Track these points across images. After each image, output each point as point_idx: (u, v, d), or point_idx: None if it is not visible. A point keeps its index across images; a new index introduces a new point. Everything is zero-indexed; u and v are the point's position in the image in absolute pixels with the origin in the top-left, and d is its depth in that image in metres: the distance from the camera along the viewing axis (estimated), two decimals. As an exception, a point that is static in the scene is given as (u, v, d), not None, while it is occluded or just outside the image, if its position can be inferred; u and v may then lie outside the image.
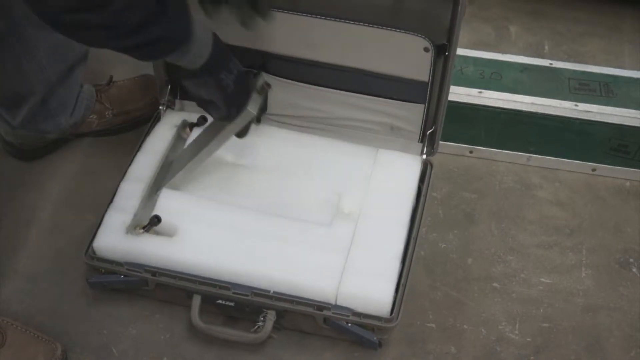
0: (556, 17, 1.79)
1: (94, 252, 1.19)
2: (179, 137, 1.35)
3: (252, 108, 1.17)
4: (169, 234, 1.20)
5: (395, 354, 1.21)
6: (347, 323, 1.14)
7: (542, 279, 1.32)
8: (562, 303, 1.29)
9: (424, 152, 1.31)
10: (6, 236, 1.34)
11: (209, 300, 1.17)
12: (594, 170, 1.47)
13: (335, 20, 1.18)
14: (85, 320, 1.24)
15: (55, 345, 1.16)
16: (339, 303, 1.14)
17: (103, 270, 1.20)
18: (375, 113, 1.29)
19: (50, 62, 1.32)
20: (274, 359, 1.20)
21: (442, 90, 1.22)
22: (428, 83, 1.22)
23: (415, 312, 1.25)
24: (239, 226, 1.20)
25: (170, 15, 0.97)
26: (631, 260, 1.35)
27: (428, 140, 1.30)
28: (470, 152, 1.49)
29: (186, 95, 1.37)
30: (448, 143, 1.47)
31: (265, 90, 1.19)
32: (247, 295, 1.15)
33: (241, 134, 1.21)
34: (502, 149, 1.48)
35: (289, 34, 1.20)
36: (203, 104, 1.16)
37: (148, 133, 1.35)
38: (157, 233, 1.20)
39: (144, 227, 1.19)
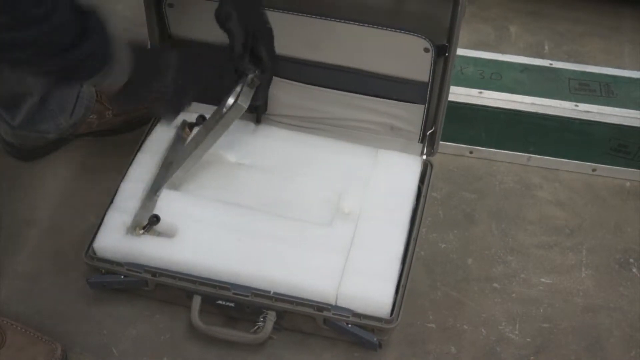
0: (556, 17, 1.79)
1: (94, 252, 1.19)
2: (179, 137, 1.35)
3: (242, 102, 1.17)
4: (169, 234, 1.20)
5: (396, 354, 1.21)
6: (347, 324, 1.14)
7: (542, 279, 1.32)
8: (562, 303, 1.29)
9: (424, 152, 1.31)
10: (6, 236, 1.34)
11: (209, 301, 1.17)
12: (594, 170, 1.47)
13: (335, 21, 1.18)
14: (85, 320, 1.24)
15: (55, 345, 1.16)
16: (339, 304, 1.14)
17: (103, 271, 1.20)
18: (375, 113, 1.29)
19: (49, 62, 1.32)
20: (274, 359, 1.20)
21: (442, 90, 1.22)
22: (428, 83, 1.22)
23: (415, 312, 1.25)
24: (239, 227, 1.20)
25: (99, 31, 0.95)
26: (631, 260, 1.35)
27: (428, 140, 1.30)
28: (470, 152, 1.49)
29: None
30: (448, 143, 1.47)
31: (255, 83, 1.17)
32: (247, 296, 1.15)
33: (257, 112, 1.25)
34: (502, 149, 1.48)
35: (289, 35, 1.20)
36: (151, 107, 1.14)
37: (148, 133, 1.35)
38: (158, 233, 1.20)
39: (143, 228, 1.19)
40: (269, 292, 1.14)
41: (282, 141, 1.34)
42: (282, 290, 1.14)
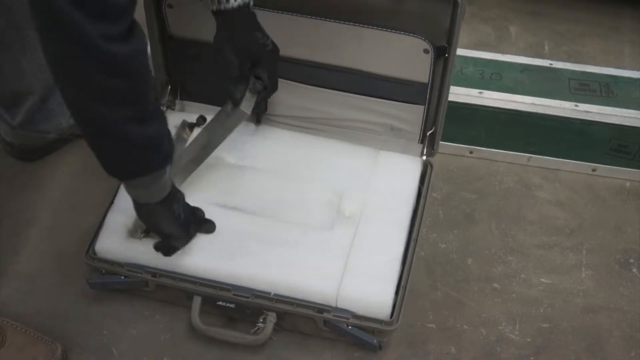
0: (556, 18, 1.78)
1: (94, 252, 1.19)
2: (179, 138, 1.35)
3: (245, 108, 1.16)
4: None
5: (396, 354, 1.21)
6: (347, 325, 1.14)
7: (542, 279, 1.32)
8: (562, 303, 1.29)
9: (424, 153, 1.31)
10: (6, 236, 1.34)
11: (209, 302, 1.17)
12: (594, 170, 1.47)
13: (335, 22, 1.18)
14: (85, 320, 1.24)
15: (55, 346, 1.16)
16: (339, 305, 1.14)
17: (103, 271, 1.20)
18: (376, 114, 1.29)
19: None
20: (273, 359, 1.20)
21: (442, 91, 1.22)
22: (428, 84, 1.22)
23: (415, 313, 1.25)
24: (239, 229, 1.20)
25: (169, 134, 1.04)
26: (631, 260, 1.35)
27: (428, 141, 1.30)
28: (470, 152, 1.49)
29: (187, 96, 1.38)
30: (448, 143, 1.47)
31: (257, 89, 1.18)
32: (247, 297, 1.15)
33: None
34: (502, 149, 1.48)
35: (289, 36, 1.20)
36: (163, 237, 1.16)
37: (148, 133, 1.35)
38: (158, 235, 1.20)
39: (145, 231, 1.19)
40: (270, 293, 1.14)
41: (282, 142, 1.34)
42: (282, 291, 1.14)
